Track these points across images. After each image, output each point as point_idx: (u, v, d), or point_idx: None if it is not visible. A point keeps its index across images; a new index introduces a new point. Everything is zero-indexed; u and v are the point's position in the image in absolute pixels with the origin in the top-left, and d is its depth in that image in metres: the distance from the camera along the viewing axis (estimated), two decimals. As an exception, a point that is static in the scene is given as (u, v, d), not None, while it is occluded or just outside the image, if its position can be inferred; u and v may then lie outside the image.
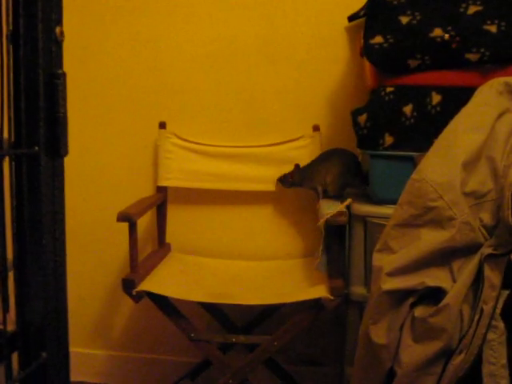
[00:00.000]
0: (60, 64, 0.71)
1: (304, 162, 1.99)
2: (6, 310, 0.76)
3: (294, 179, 1.92)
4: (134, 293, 1.66)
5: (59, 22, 0.69)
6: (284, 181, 1.95)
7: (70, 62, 2.08)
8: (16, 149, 0.69)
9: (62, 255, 0.75)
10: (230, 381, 1.68)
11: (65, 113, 0.70)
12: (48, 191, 0.69)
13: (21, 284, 0.74)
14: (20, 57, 0.67)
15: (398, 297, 1.25)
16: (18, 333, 0.77)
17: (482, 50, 1.50)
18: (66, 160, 2.24)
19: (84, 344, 2.28)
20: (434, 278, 1.22)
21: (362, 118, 1.59)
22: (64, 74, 0.71)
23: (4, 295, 0.75)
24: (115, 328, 2.27)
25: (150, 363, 2.24)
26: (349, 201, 1.66)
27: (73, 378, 2.30)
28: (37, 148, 0.68)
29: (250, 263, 2.03)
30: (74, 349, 2.25)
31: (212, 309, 2.02)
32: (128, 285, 1.66)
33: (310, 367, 2.14)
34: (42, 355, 0.77)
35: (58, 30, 0.69)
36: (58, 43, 0.69)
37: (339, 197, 1.83)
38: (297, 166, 1.92)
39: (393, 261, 1.25)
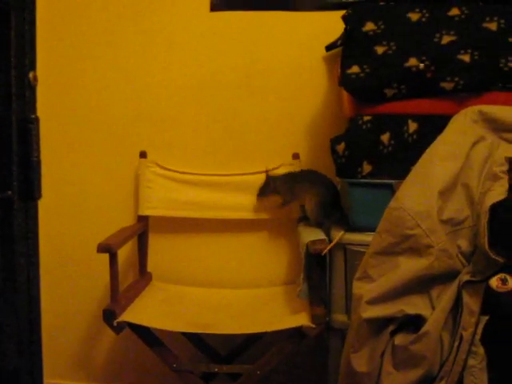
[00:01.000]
0: (33, 109, 0.71)
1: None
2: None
3: (273, 187, 1.94)
4: (115, 323, 1.64)
5: (32, 67, 0.70)
6: (264, 191, 1.96)
7: (49, 95, 2.10)
8: (-12, 193, 0.69)
9: (37, 299, 0.75)
10: (213, 412, 1.67)
11: (38, 156, 0.70)
12: (22, 234, 0.69)
13: None
14: None
15: (378, 325, 1.25)
16: None
17: (456, 79, 1.52)
18: (47, 190, 2.23)
19: (64, 375, 2.25)
20: (412, 305, 1.23)
21: (341, 147, 1.61)
22: (37, 119, 0.71)
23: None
24: (96, 359, 2.24)
25: (133, 394, 2.22)
26: (341, 234, 1.65)
27: (52, 411, 2.27)
28: (10, 192, 0.68)
29: (232, 291, 2.03)
30: (53, 380, 2.25)
31: (194, 338, 2.01)
32: (109, 316, 1.65)
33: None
34: None
35: (31, 74, 0.69)
36: (31, 88, 0.70)
37: (319, 225, 1.84)
38: (267, 175, 1.95)
39: (372, 289, 1.26)
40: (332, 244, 1.62)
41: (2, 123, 0.68)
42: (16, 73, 0.66)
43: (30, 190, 0.71)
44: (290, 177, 1.94)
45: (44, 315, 2.20)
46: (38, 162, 0.71)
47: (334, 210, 1.87)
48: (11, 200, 0.69)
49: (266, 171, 1.95)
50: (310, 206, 1.87)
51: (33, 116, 0.70)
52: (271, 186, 1.93)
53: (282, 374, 2.12)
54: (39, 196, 0.73)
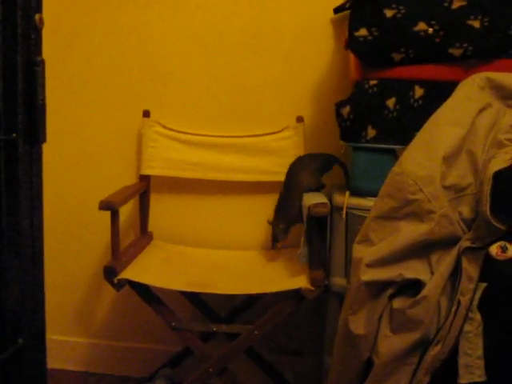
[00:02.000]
0: (39, 51, 0.70)
1: (287, 153, 2.00)
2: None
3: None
4: (115, 281, 1.66)
5: (39, 8, 0.69)
6: (278, 236, 1.89)
7: (54, 50, 2.08)
8: (-7, 135, 0.70)
9: (40, 241, 0.75)
10: (210, 369, 1.69)
11: (43, 100, 0.70)
12: (26, 178, 0.70)
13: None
14: None
15: (377, 288, 1.26)
16: None
17: (465, 45, 1.51)
18: (49, 148, 2.23)
19: (65, 332, 2.28)
20: (412, 270, 1.24)
21: (346, 110, 1.60)
22: (43, 61, 0.71)
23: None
24: (97, 316, 2.27)
25: (131, 351, 2.24)
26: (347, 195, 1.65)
27: (53, 365, 2.32)
28: (15, 135, 0.69)
29: (233, 253, 2.04)
30: (54, 336, 2.28)
31: (194, 298, 2.03)
32: (109, 273, 1.67)
33: (290, 357, 2.15)
34: (18, 341, 0.77)
35: (37, 16, 0.69)
36: (37, 30, 0.69)
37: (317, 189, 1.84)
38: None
39: (372, 252, 1.27)
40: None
41: (8, 65, 0.67)
42: (22, 14, 0.66)
43: (35, 133, 0.71)
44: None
45: (45, 273, 2.25)
46: (43, 106, 0.70)
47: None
48: (16, 143, 0.69)
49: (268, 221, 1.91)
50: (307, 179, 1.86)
51: (38, 58, 0.69)
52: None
53: (280, 337, 2.15)
54: (44, 140, 0.73)
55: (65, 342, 2.27)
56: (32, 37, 0.69)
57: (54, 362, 2.27)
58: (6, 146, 0.70)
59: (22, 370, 0.76)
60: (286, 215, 1.85)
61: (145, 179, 2.07)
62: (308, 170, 1.84)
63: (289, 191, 1.85)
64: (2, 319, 0.77)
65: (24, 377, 0.76)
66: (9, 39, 0.67)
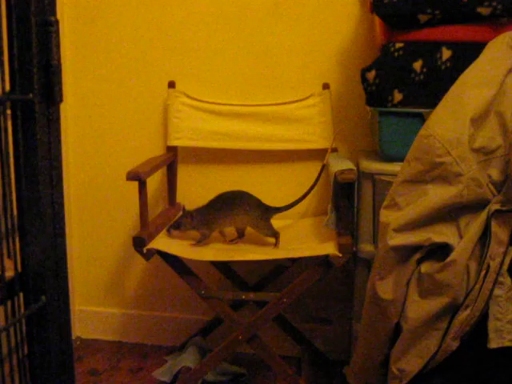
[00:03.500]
0: (53, 11, 0.70)
1: (313, 120, 1.99)
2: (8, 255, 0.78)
3: (192, 224, 1.83)
4: (144, 251, 1.67)
5: (51, -31, 0.69)
6: (179, 225, 1.84)
7: (79, 24, 2.09)
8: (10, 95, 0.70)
9: (60, 202, 0.76)
10: (240, 337, 1.71)
11: (59, 60, 0.70)
12: (44, 138, 0.70)
13: (20, 230, 0.76)
14: (11, 3, 0.67)
15: (405, 253, 1.25)
16: (18, 277, 0.79)
17: (494, 4, 1.46)
18: (77, 120, 2.24)
19: (98, 303, 2.32)
20: (440, 234, 1.22)
21: (371, 75, 1.58)
22: (57, 21, 0.71)
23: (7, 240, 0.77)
24: (128, 287, 2.30)
25: (163, 321, 2.28)
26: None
27: (86, 335, 2.38)
28: (31, 95, 0.69)
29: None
30: (87, 307, 2.33)
31: (223, 267, 2.04)
32: (138, 243, 1.68)
33: (320, 325, 2.16)
34: (41, 299, 0.79)
35: (50, -23, 0.69)
36: None
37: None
38: (189, 212, 1.84)
39: (399, 217, 1.26)
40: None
41: (22, 25, 0.67)
42: (35, -25, 0.66)
43: (51, 93, 0.71)
44: (206, 208, 1.86)
45: (75, 244, 2.29)
46: (59, 66, 0.70)
47: (271, 210, 1.86)
48: (32, 103, 0.69)
49: (183, 207, 1.87)
50: (253, 223, 1.84)
51: (52, 18, 0.69)
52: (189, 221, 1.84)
53: (310, 305, 2.16)
54: (60, 99, 0.73)
55: (98, 313, 2.32)
56: None
57: (87, 332, 2.34)
58: (22, 106, 0.70)
59: (45, 328, 0.78)
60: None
61: (172, 150, 2.07)
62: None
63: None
64: (24, 278, 0.79)
65: (48, 334, 0.78)
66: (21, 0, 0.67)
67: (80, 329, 2.33)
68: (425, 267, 1.24)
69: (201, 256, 1.72)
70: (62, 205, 0.75)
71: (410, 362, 1.25)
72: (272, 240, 1.82)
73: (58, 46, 0.70)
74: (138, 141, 2.17)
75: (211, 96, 2.06)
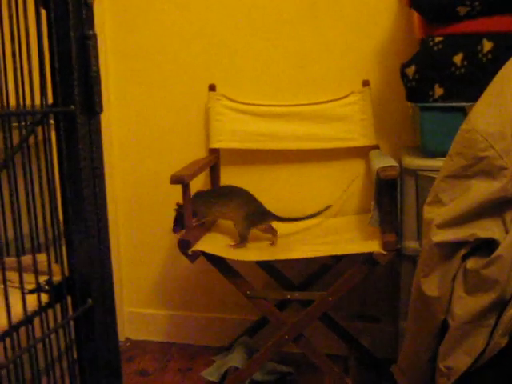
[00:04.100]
0: (91, 25, 0.73)
1: (354, 118, 1.98)
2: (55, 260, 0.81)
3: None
4: (189, 253, 1.70)
5: (89, -13, 0.72)
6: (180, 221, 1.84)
7: (120, 29, 2.13)
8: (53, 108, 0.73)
9: (103, 208, 0.79)
10: (286, 336, 1.72)
11: (97, 72, 0.73)
12: (86, 147, 0.73)
13: (67, 237, 0.79)
14: (52, 20, 0.70)
15: (449, 249, 1.24)
16: (65, 281, 0.82)
17: (536, -7, 1.43)
18: (119, 126, 2.28)
19: (146, 304, 2.36)
20: (485, 229, 1.20)
21: (410, 70, 1.56)
22: (95, 35, 0.73)
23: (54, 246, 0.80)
24: (176, 288, 2.33)
25: (211, 321, 2.31)
26: None
27: (136, 337, 2.42)
28: (73, 107, 0.72)
29: (305, 221, 2.04)
30: (136, 309, 2.37)
31: (268, 267, 2.05)
32: (184, 245, 1.71)
33: (366, 323, 2.15)
34: (88, 301, 0.82)
35: (88, -6, 0.71)
36: (87, 6, 0.72)
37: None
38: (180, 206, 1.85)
39: (443, 213, 1.24)
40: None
41: (62, 40, 0.70)
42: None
43: (92, 104, 0.74)
44: (205, 197, 1.89)
45: (123, 247, 2.34)
46: (98, 77, 0.73)
47: (263, 217, 1.87)
48: (74, 114, 0.72)
49: (177, 204, 1.86)
50: (236, 220, 1.85)
51: (90, 32, 0.72)
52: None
53: (356, 304, 2.15)
54: (100, 110, 0.76)
55: (147, 315, 2.36)
56: (83, 12, 0.72)
57: (136, 333, 2.38)
58: (64, 118, 0.73)
59: (93, 330, 0.81)
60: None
61: (214, 152, 2.09)
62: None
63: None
64: (72, 281, 0.82)
65: (95, 336, 0.81)
66: (60, 16, 0.70)
67: (129, 330, 2.38)
68: (470, 263, 1.22)
69: (244, 256, 1.73)
70: (105, 211, 0.78)
71: (458, 360, 1.24)
72: (231, 242, 1.85)
73: (96, 58, 0.73)
74: (181, 144, 2.20)
75: (251, 98, 2.08)
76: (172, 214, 1.84)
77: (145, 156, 2.25)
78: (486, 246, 1.21)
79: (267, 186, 2.14)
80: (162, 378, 2.06)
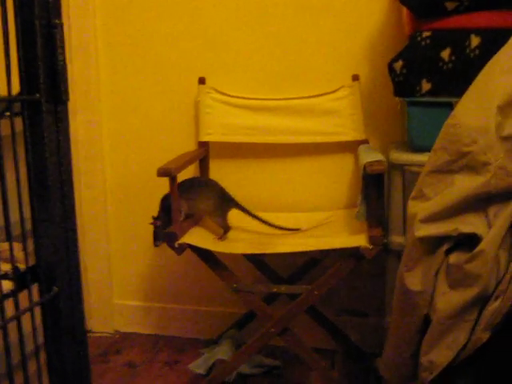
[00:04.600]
0: (58, 14, 0.73)
1: (344, 112, 1.98)
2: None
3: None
4: (176, 245, 1.70)
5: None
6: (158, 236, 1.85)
7: (110, 21, 2.12)
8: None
9: (70, 197, 0.79)
10: (272, 329, 1.72)
11: (64, 60, 0.73)
12: (51, 135, 0.73)
13: (33, 225, 0.79)
14: (16, 8, 0.70)
15: (432, 243, 1.24)
16: (28, 270, 0.84)
17: (524, -12, 1.43)
18: (110, 117, 2.28)
19: (135, 296, 2.36)
20: (468, 224, 1.21)
21: (398, 65, 1.56)
22: (61, 24, 0.74)
23: (24, 235, 0.81)
24: (165, 281, 2.33)
25: (200, 314, 2.31)
26: None
27: (125, 329, 2.43)
28: (38, 95, 0.72)
29: (291, 215, 2.05)
30: (125, 301, 2.37)
31: (256, 261, 2.05)
32: (170, 238, 1.71)
33: (354, 318, 2.15)
34: (53, 289, 0.83)
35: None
36: None
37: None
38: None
39: (426, 208, 1.24)
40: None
41: (26, 29, 0.71)
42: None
43: (58, 92, 0.74)
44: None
45: (112, 240, 2.34)
46: (64, 66, 0.74)
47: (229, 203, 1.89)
48: (39, 102, 0.72)
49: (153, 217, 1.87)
50: (209, 212, 1.88)
51: (57, 21, 0.72)
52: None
53: (344, 299, 2.16)
54: (66, 98, 0.76)
55: (136, 307, 2.36)
56: (50, 0, 0.72)
57: (125, 325, 2.38)
58: (29, 106, 0.74)
59: (59, 317, 0.82)
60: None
61: (203, 146, 2.09)
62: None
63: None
64: (37, 270, 0.82)
65: (62, 322, 0.81)
66: (25, 4, 0.70)
67: (118, 322, 2.38)
68: (453, 258, 1.22)
69: (231, 249, 1.73)
70: (72, 200, 0.78)
71: (440, 354, 1.24)
72: (220, 232, 1.85)
73: (62, 47, 0.73)
74: (171, 137, 2.20)
75: (241, 91, 2.08)
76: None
77: (135, 149, 2.25)
78: (468, 241, 1.21)
79: (256, 180, 2.14)
80: (149, 370, 2.06)
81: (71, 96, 2.25)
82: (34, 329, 0.79)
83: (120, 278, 2.37)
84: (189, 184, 1.89)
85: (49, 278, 0.80)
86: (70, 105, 2.22)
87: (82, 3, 2.15)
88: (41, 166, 0.73)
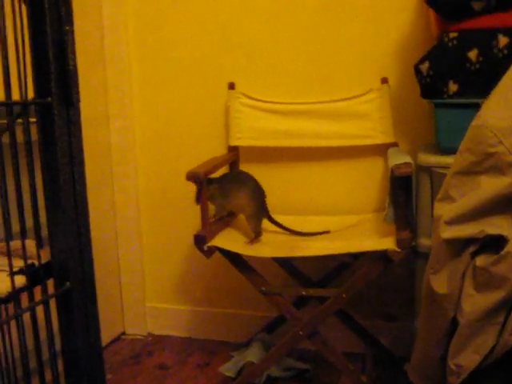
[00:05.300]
0: (70, 21, 0.76)
1: (373, 115, 1.98)
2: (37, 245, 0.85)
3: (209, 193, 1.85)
4: (205, 248, 1.72)
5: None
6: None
7: (141, 30, 2.16)
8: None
9: (83, 195, 0.82)
10: (300, 332, 1.72)
11: (75, 65, 0.76)
12: (63, 137, 0.76)
13: (48, 223, 0.82)
14: (29, 16, 0.73)
15: (458, 246, 1.23)
16: (41, 266, 0.87)
17: (552, -13, 1.41)
18: (142, 125, 2.32)
19: (167, 299, 2.39)
20: (494, 226, 1.19)
21: (424, 67, 1.55)
22: (71, 31, 0.76)
23: (37, 233, 0.84)
24: (197, 284, 2.36)
25: (231, 318, 2.32)
26: None
27: (157, 331, 2.46)
28: (50, 99, 0.75)
29: (322, 218, 2.04)
30: (158, 304, 2.40)
31: (286, 264, 2.06)
32: (199, 240, 1.73)
33: (385, 322, 2.14)
34: (66, 284, 0.86)
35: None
36: (65, 3, 0.75)
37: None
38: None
39: (452, 209, 1.23)
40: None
41: (38, 36, 0.74)
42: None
43: (69, 96, 0.77)
44: (218, 183, 1.88)
45: (145, 243, 2.37)
46: (75, 71, 0.77)
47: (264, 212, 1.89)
48: (51, 105, 0.76)
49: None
50: (248, 213, 1.87)
51: (67, 28, 0.75)
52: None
53: (375, 302, 2.14)
54: (78, 101, 0.79)
55: (168, 310, 2.39)
56: (61, 9, 0.75)
57: (157, 328, 2.41)
58: (41, 109, 0.77)
59: (72, 312, 0.84)
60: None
61: (233, 150, 2.11)
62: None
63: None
64: (52, 266, 0.85)
65: (74, 317, 0.85)
66: (37, 12, 0.73)
67: (151, 325, 2.41)
68: (480, 260, 1.20)
69: (260, 252, 1.74)
70: (85, 198, 0.81)
71: (467, 358, 1.23)
72: (251, 236, 1.85)
73: (73, 52, 0.76)
74: (202, 142, 2.23)
75: (270, 95, 2.09)
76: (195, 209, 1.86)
77: (167, 154, 2.28)
78: (495, 243, 1.20)
79: (285, 184, 2.15)
80: (180, 372, 2.08)
81: (105, 103, 2.30)
82: (50, 322, 0.82)
83: (153, 280, 2.41)
84: (234, 177, 1.92)
85: (62, 274, 0.83)
86: (104, 112, 2.27)
87: (115, 15, 2.20)
88: (53, 167, 0.76)
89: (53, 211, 0.78)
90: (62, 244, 0.80)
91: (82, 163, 0.79)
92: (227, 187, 1.87)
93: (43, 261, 0.85)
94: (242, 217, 1.94)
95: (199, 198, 1.79)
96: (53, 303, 0.87)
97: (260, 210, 1.87)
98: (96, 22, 2.18)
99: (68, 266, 0.81)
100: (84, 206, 0.81)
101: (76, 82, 0.77)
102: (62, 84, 0.75)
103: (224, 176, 1.91)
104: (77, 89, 0.77)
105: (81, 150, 0.79)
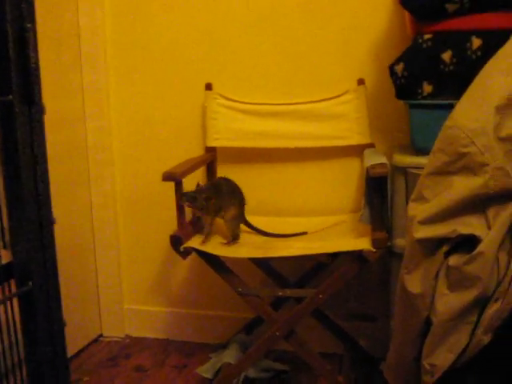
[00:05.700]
0: (31, 18, 0.76)
1: (349, 116, 1.98)
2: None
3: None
4: (181, 249, 1.71)
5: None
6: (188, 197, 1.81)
7: (118, 28, 2.15)
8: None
9: (46, 195, 0.81)
10: (277, 333, 1.72)
11: (36, 63, 0.76)
12: (25, 135, 0.75)
13: (9, 222, 0.82)
14: None
15: (431, 245, 1.24)
16: (3, 266, 0.88)
17: (525, -11, 1.43)
18: (118, 125, 2.31)
19: (145, 301, 2.38)
20: (467, 225, 1.20)
21: (399, 68, 1.56)
22: (33, 28, 0.76)
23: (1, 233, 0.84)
24: (175, 286, 2.35)
25: (209, 319, 2.32)
26: None
27: (134, 333, 2.44)
28: (10, 96, 0.75)
29: (299, 219, 2.05)
30: (135, 306, 2.39)
31: (263, 265, 2.05)
32: (175, 242, 1.72)
33: (362, 322, 2.15)
34: (28, 284, 0.86)
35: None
36: (27, 1, 0.75)
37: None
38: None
39: (425, 209, 1.24)
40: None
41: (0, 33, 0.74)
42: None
43: (30, 94, 0.77)
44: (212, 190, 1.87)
45: (122, 245, 2.36)
46: (37, 68, 0.76)
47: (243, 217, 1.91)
48: (12, 103, 0.75)
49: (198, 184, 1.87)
50: (227, 218, 1.86)
51: (29, 25, 0.75)
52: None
53: (353, 303, 2.15)
54: (39, 99, 0.79)
55: (146, 312, 2.38)
56: (23, 6, 0.75)
57: (134, 330, 2.40)
58: (2, 107, 0.76)
59: (35, 311, 0.84)
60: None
61: (210, 151, 2.11)
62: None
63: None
64: (14, 267, 0.85)
65: (38, 316, 0.84)
66: None
67: (129, 327, 2.40)
68: (452, 260, 1.21)
69: (236, 253, 1.74)
70: (47, 198, 0.80)
71: (441, 357, 1.24)
72: (228, 237, 1.85)
73: (35, 50, 0.76)
74: (179, 142, 2.22)
75: (248, 96, 2.09)
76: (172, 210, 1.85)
77: (144, 154, 2.27)
78: (468, 243, 1.21)
79: (263, 184, 2.15)
80: (158, 374, 2.07)
81: (82, 104, 2.28)
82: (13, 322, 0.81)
83: (130, 282, 2.39)
84: (228, 186, 1.91)
85: (24, 274, 0.83)
86: (81, 112, 2.24)
87: (91, 12, 2.18)
88: (15, 165, 0.75)
89: (14, 210, 0.78)
90: (23, 243, 0.80)
91: (44, 162, 0.79)
92: (223, 200, 1.86)
93: (5, 261, 0.84)
94: (218, 219, 1.94)
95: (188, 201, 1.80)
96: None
97: (240, 215, 1.87)
98: (72, 21, 2.16)
99: (30, 266, 0.81)
100: (47, 206, 0.80)
101: (38, 79, 0.76)
102: (23, 82, 0.75)
103: (217, 188, 1.88)
104: (39, 87, 0.77)
105: (44, 148, 0.78)
